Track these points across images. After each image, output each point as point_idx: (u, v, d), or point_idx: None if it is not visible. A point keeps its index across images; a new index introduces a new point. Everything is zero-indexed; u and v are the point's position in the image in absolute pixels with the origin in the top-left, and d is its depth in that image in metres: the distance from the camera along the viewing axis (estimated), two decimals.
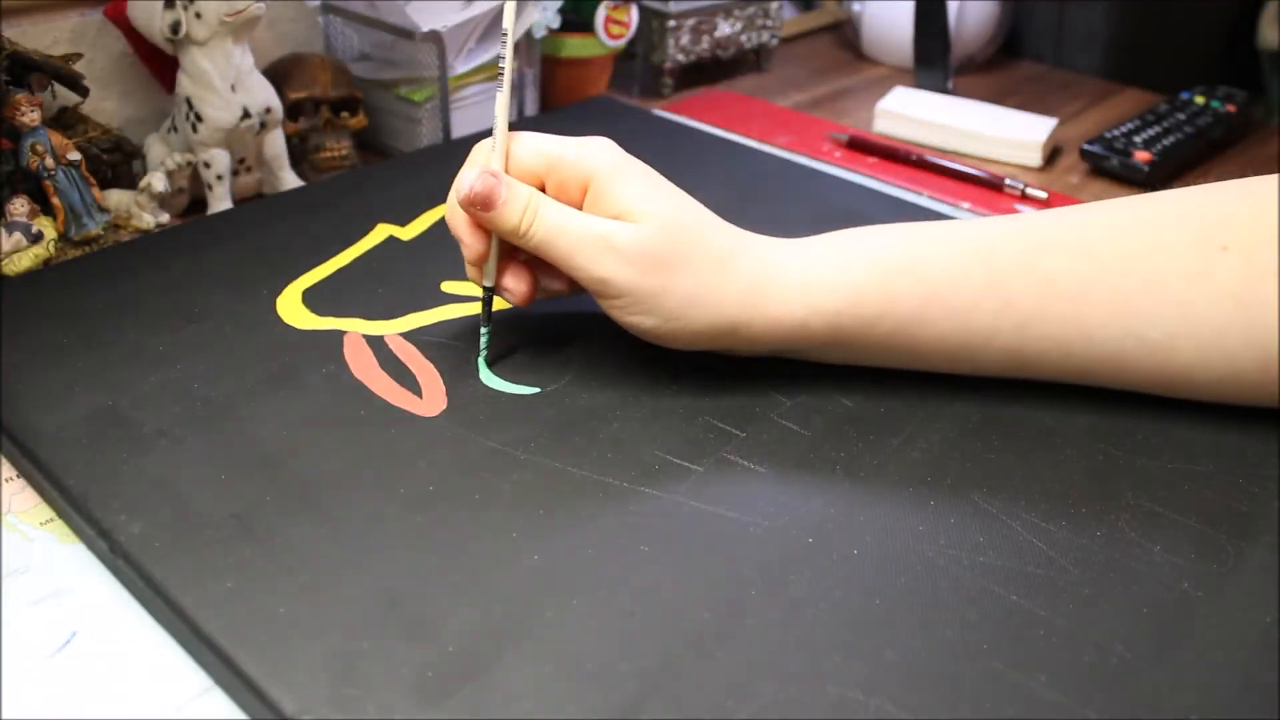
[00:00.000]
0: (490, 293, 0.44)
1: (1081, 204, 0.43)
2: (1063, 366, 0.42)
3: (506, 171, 0.41)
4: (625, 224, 0.39)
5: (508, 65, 0.42)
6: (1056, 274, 0.40)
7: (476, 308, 0.48)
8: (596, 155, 0.40)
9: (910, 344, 0.42)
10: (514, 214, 0.40)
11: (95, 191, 0.53)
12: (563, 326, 0.47)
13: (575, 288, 0.44)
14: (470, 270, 0.43)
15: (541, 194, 0.40)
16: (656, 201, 0.40)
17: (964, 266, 0.41)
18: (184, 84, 0.56)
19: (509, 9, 0.41)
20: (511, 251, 0.43)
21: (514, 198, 0.40)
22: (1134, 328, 0.40)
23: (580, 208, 0.40)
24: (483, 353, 0.44)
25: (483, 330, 0.44)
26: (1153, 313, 0.39)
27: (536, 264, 0.43)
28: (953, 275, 0.40)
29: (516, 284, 0.43)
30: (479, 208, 0.40)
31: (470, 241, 0.42)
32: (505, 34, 0.41)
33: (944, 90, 0.83)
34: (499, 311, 0.45)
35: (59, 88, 0.55)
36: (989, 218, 0.43)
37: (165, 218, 0.57)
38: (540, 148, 0.41)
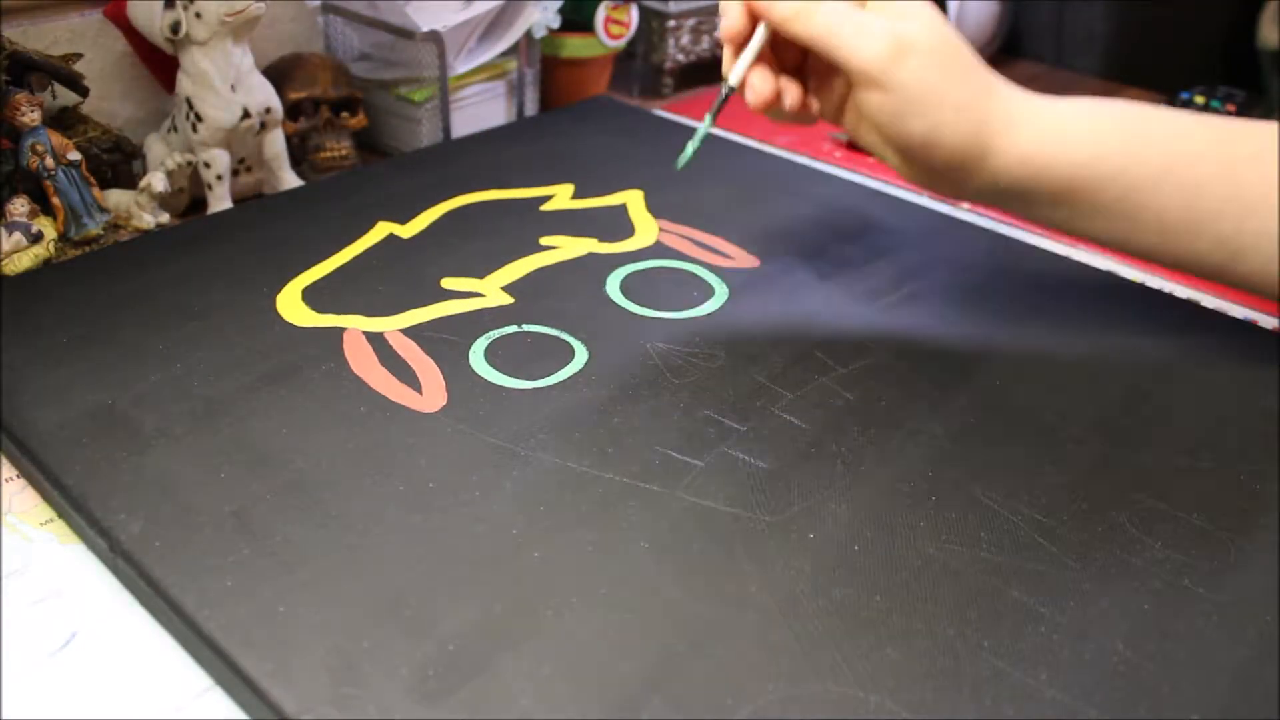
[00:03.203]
0: (730, 92, 0.43)
1: None
2: (1269, 267, 0.42)
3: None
4: (915, 23, 0.40)
5: None
6: None
7: (475, 304, 0.48)
8: None
9: (1136, 213, 0.42)
10: (787, 2, 0.40)
11: (95, 191, 0.53)
12: (563, 324, 0.47)
13: (820, 106, 0.44)
14: (725, 56, 0.44)
15: None
16: (934, 9, 0.41)
17: (1205, 146, 0.42)
18: (184, 84, 0.56)
19: None
20: (770, 57, 0.43)
21: None
22: None
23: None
24: (695, 142, 0.44)
25: (706, 119, 0.44)
26: None
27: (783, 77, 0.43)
28: (1192, 151, 0.42)
29: (763, 82, 0.43)
30: None
31: (734, 17, 0.42)
32: None
33: None
34: (499, 314, 0.45)
35: (59, 88, 0.55)
36: (1232, 118, 0.44)
37: (165, 218, 0.57)
38: None
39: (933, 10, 0.41)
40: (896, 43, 0.40)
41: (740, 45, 0.43)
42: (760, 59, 0.43)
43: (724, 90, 0.44)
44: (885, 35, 0.40)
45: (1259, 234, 0.41)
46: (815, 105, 0.44)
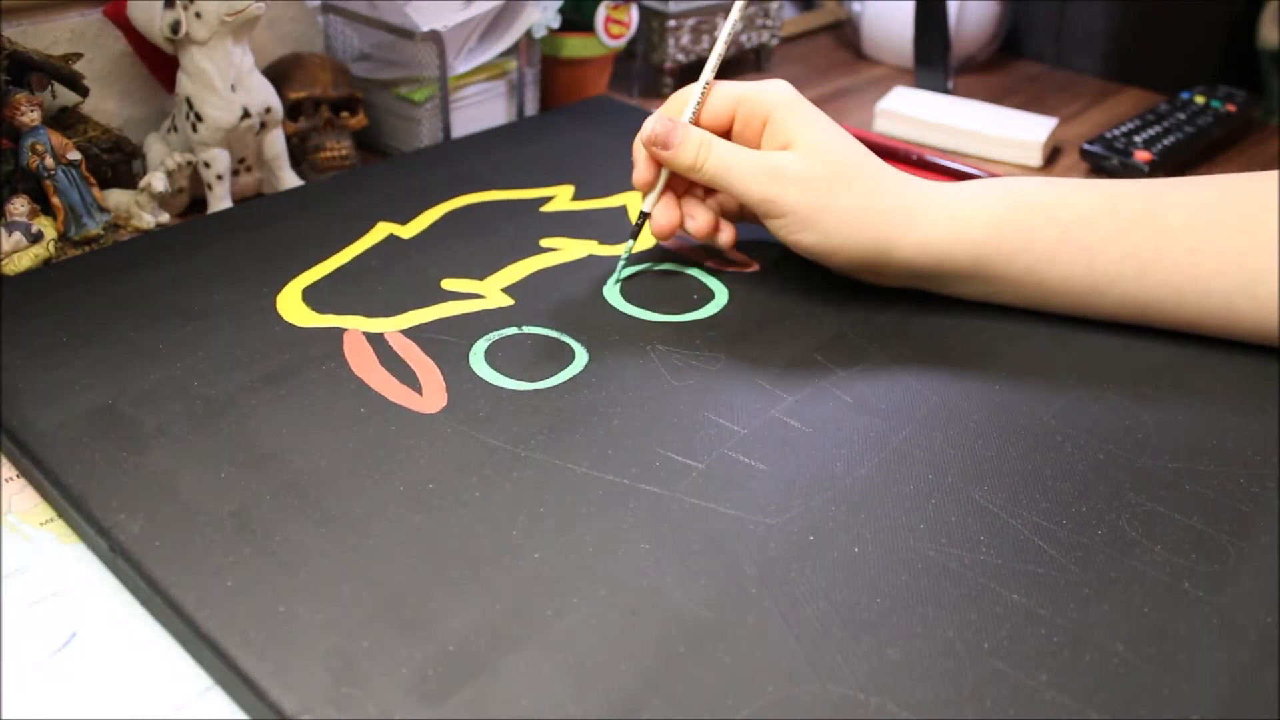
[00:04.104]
0: (644, 218, 0.50)
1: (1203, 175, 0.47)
2: (1178, 315, 0.45)
3: (701, 115, 0.48)
4: (791, 153, 0.46)
5: (725, 30, 0.50)
6: (1175, 228, 0.44)
7: (475, 305, 0.48)
8: (777, 91, 0.47)
9: (1042, 281, 0.46)
10: (689, 153, 0.47)
11: (95, 191, 0.53)
12: (563, 325, 0.47)
13: (716, 226, 0.50)
14: (638, 189, 0.50)
15: (714, 136, 0.47)
16: (821, 134, 0.46)
17: (1094, 212, 0.45)
18: (184, 84, 0.56)
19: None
20: (677, 191, 0.51)
21: (688, 139, 0.47)
22: (1246, 283, 0.43)
23: (760, 138, 0.47)
24: (620, 265, 0.50)
25: (627, 244, 0.51)
26: (1266, 269, 0.43)
27: (688, 204, 0.50)
28: (1083, 218, 0.45)
29: (663, 216, 0.49)
30: (658, 147, 0.47)
31: (642, 169, 0.49)
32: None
33: (944, 90, 0.83)
34: (499, 315, 0.45)
35: (59, 88, 0.55)
36: (1110, 180, 0.47)
37: (165, 217, 0.57)
38: (729, 91, 0.48)
39: (820, 131, 0.46)
40: (774, 175, 0.46)
41: (650, 190, 0.50)
42: (671, 194, 0.50)
43: (639, 217, 0.50)
44: (764, 170, 0.46)
45: (1160, 287, 0.45)
46: (726, 235, 0.50)
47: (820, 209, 0.45)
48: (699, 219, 0.50)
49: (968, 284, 0.47)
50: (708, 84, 0.48)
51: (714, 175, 0.47)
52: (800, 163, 0.45)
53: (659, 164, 0.49)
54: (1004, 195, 0.46)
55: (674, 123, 0.47)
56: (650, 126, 0.48)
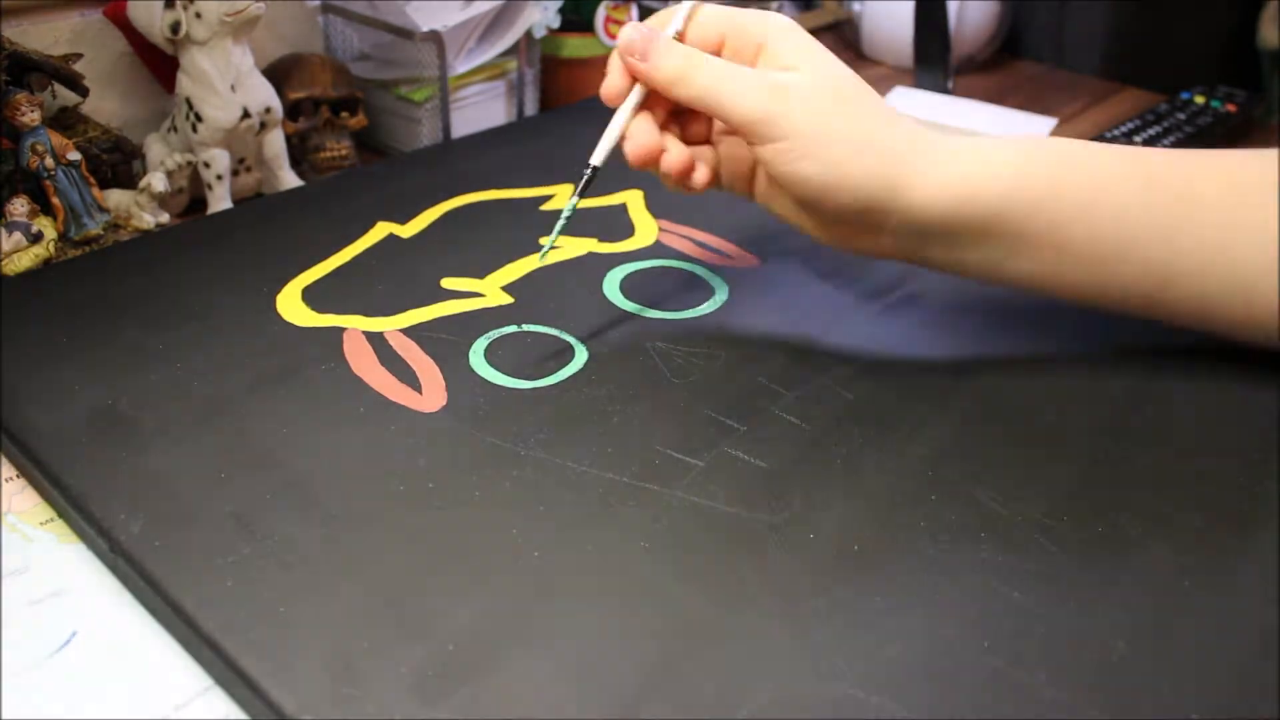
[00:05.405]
0: (594, 172, 0.43)
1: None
2: (1202, 291, 0.41)
3: (685, 33, 0.42)
4: (796, 72, 0.40)
5: None
6: (1207, 196, 0.41)
7: (475, 304, 0.48)
8: (770, 18, 0.42)
9: (1064, 242, 0.41)
10: (671, 65, 0.41)
11: (95, 191, 0.53)
12: (563, 324, 0.47)
13: (691, 164, 0.43)
14: (605, 100, 0.43)
15: (704, 53, 0.41)
16: (826, 59, 0.41)
17: (1124, 169, 0.41)
18: (184, 84, 0.56)
19: None
20: (656, 112, 0.43)
21: (671, 50, 0.41)
22: (1271, 263, 0.40)
23: (754, 66, 0.41)
24: (559, 228, 0.44)
25: (571, 203, 0.43)
26: None
27: (667, 136, 0.43)
28: (1113, 175, 0.41)
29: (643, 134, 0.42)
30: (634, 57, 0.41)
31: (615, 77, 0.43)
32: None
33: (944, 90, 0.83)
34: (498, 314, 0.45)
35: (59, 88, 0.55)
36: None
37: (165, 218, 0.57)
38: (719, 13, 0.42)
39: (822, 57, 0.41)
40: (776, 90, 0.40)
41: (619, 102, 0.43)
42: (646, 117, 0.43)
43: (587, 172, 0.44)
44: (764, 85, 0.40)
45: (1187, 255, 0.41)
46: (702, 174, 0.43)
47: (826, 133, 0.40)
48: (674, 152, 0.43)
49: (978, 245, 0.42)
50: (692, 6, 0.43)
51: (701, 92, 0.41)
52: (807, 80, 0.40)
53: (634, 78, 0.43)
54: (1029, 146, 0.42)
55: (654, 31, 0.42)
56: (627, 33, 0.42)
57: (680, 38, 0.42)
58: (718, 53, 0.42)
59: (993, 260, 0.42)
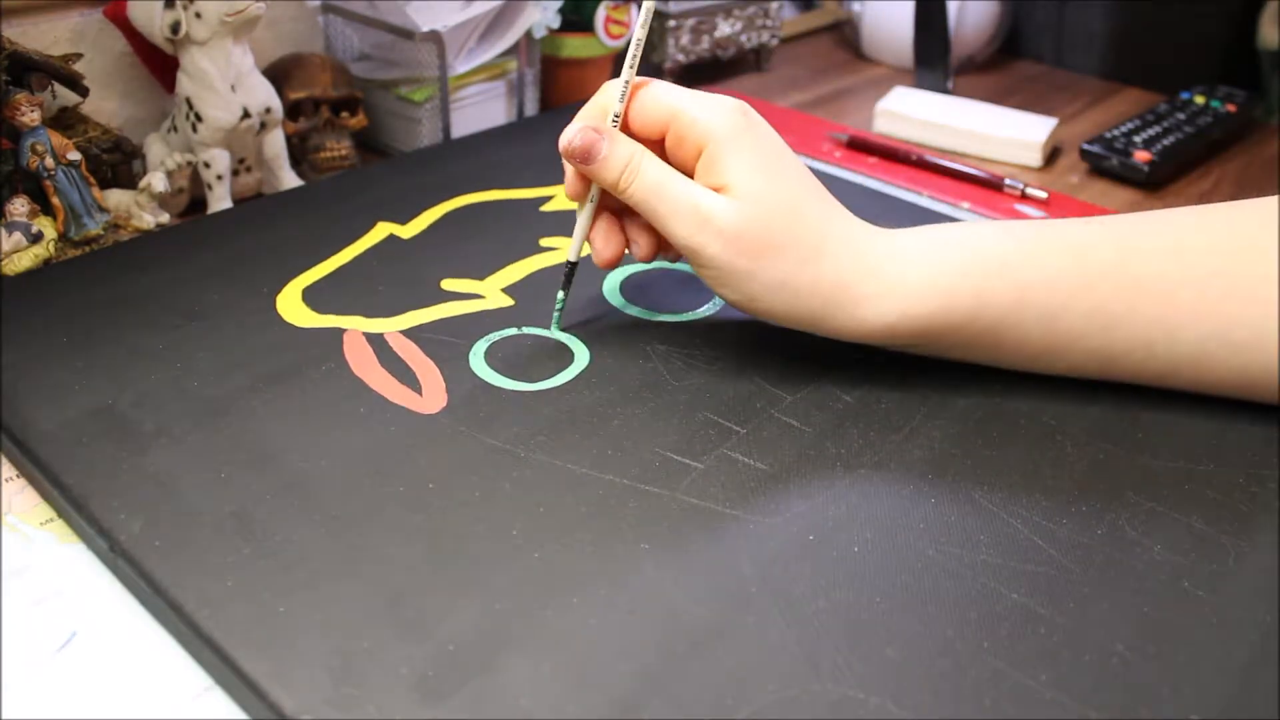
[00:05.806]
0: (573, 268, 0.45)
1: (1171, 208, 0.44)
2: (1145, 368, 0.42)
3: (627, 120, 0.42)
4: (724, 199, 0.39)
5: (640, 17, 0.41)
6: (1146, 276, 0.40)
7: (475, 305, 0.48)
8: (715, 118, 0.40)
9: (996, 344, 0.42)
10: (614, 170, 0.41)
11: (95, 191, 0.53)
12: (564, 324, 0.47)
13: (660, 253, 0.45)
14: (571, 200, 0.44)
15: (647, 152, 0.41)
16: (760, 181, 0.40)
17: (1057, 268, 0.41)
18: (184, 84, 0.56)
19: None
20: (610, 213, 0.44)
21: (615, 155, 0.41)
22: (1219, 329, 0.40)
23: (694, 165, 0.41)
24: (555, 320, 0.46)
25: (560, 295, 0.46)
26: (1239, 314, 0.40)
27: (630, 226, 0.44)
28: (1046, 277, 0.41)
29: (605, 245, 0.44)
30: (579, 161, 0.41)
31: (571, 178, 0.43)
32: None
33: (944, 90, 0.83)
34: (499, 316, 0.45)
35: (59, 88, 0.54)
36: (1078, 219, 0.43)
37: (165, 218, 0.57)
38: (665, 99, 0.41)
39: (760, 177, 0.40)
40: (700, 220, 0.39)
41: (581, 194, 0.44)
42: (609, 216, 0.44)
43: (566, 267, 0.46)
44: (691, 211, 0.40)
45: (1129, 341, 0.41)
46: (674, 250, 0.44)
47: (745, 274, 0.40)
48: (642, 244, 0.44)
49: (916, 348, 0.43)
50: (628, 83, 0.41)
51: (640, 200, 0.41)
52: (731, 216, 0.39)
53: (586, 178, 0.43)
54: (956, 258, 0.41)
55: (599, 133, 0.41)
56: (569, 137, 0.41)
57: (623, 120, 0.42)
58: (662, 138, 0.41)
59: (933, 352, 0.43)
